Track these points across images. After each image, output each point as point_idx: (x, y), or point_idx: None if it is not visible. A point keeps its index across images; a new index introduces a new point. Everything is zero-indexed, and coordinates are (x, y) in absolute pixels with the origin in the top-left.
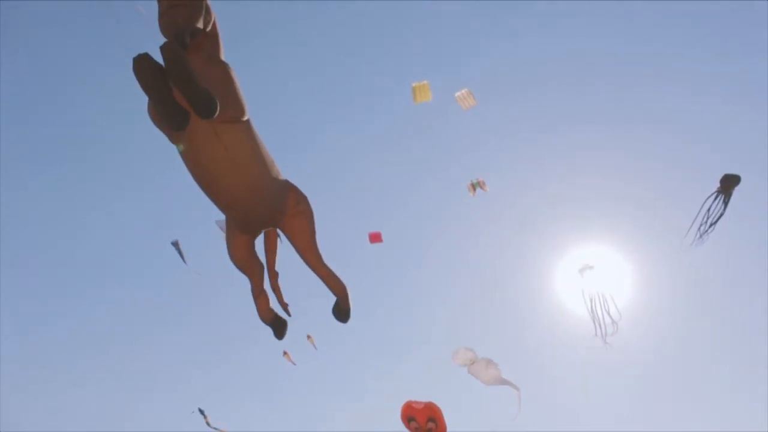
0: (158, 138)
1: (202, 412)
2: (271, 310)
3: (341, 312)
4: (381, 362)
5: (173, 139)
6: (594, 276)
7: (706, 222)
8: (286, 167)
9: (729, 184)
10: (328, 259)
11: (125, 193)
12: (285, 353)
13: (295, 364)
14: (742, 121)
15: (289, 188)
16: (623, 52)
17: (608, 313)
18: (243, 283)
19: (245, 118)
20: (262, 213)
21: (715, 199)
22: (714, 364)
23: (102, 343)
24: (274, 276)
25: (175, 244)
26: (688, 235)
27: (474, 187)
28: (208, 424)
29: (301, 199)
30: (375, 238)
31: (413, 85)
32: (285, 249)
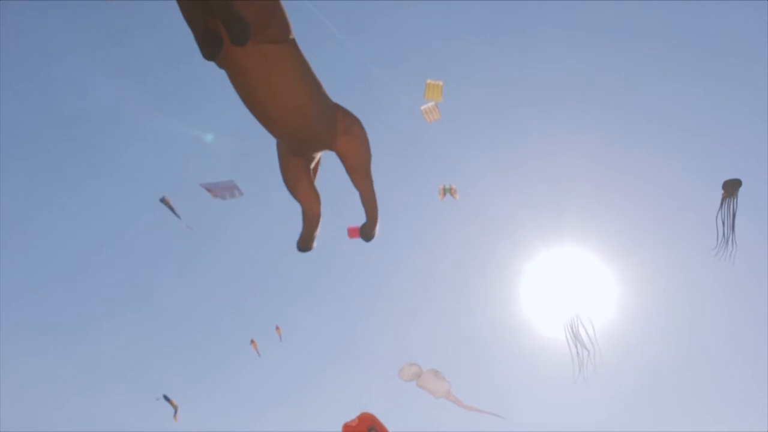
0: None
1: (167, 398)
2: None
3: (366, 235)
4: (324, 370)
5: (219, 64)
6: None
7: (725, 229)
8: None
9: (732, 188)
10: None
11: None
12: (252, 342)
13: (260, 356)
14: (731, 123)
15: (338, 110)
16: (603, 51)
17: (587, 343)
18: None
19: (291, 37)
20: (311, 134)
21: (725, 205)
22: (708, 368)
23: (57, 326)
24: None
25: (164, 201)
26: (713, 245)
27: (445, 191)
28: (175, 410)
29: (352, 121)
30: (354, 233)
31: (428, 81)
32: None
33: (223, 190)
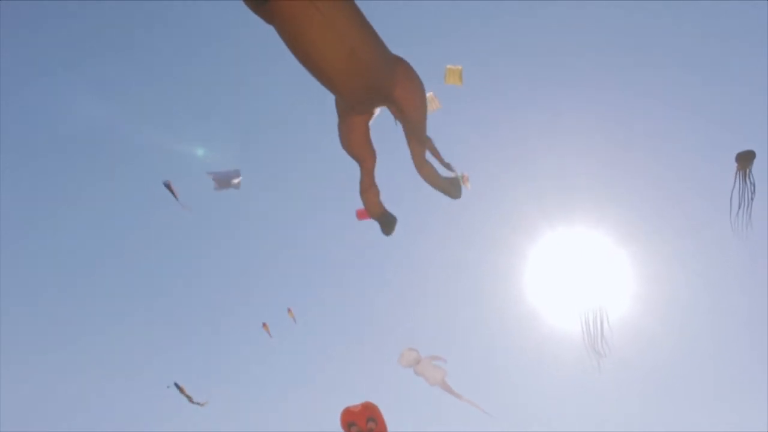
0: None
1: (178, 386)
2: (380, 204)
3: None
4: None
5: (267, 18)
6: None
7: (742, 204)
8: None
9: (745, 160)
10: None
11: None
12: (264, 325)
13: (272, 337)
14: (745, 101)
15: (398, 61)
16: (613, 25)
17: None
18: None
19: None
20: (370, 83)
21: (740, 179)
22: (732, 362)
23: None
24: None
25: (167, 185)
26: (731, 222)
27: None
28: (189, 398)
29: (411, 73)
30: (363, 215)
31: (447, 66)
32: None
33: (227, 179)
